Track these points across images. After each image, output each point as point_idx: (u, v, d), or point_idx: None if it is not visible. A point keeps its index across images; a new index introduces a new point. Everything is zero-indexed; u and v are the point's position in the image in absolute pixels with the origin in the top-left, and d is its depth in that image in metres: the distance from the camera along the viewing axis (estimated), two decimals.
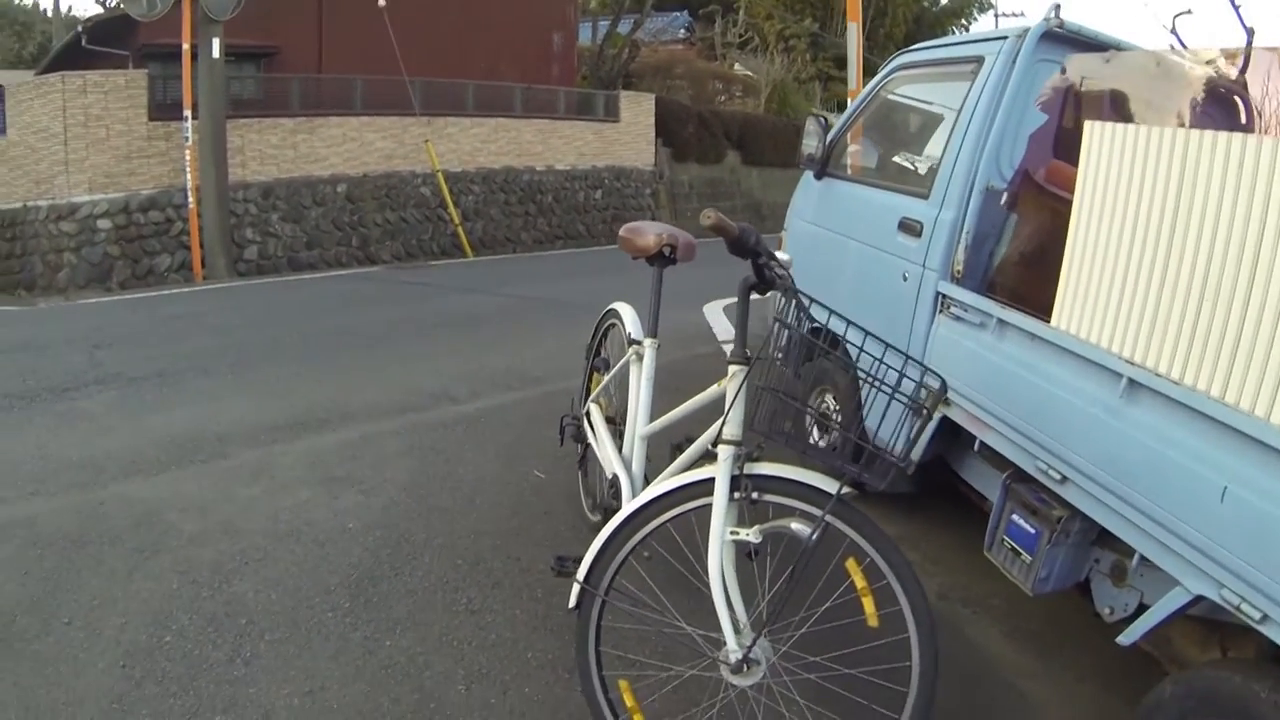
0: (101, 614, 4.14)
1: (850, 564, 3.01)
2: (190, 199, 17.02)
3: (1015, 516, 3.93)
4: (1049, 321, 3.83)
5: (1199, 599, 2.92)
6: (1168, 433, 3.10)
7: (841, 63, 37.12)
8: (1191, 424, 3.01)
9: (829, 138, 6.05)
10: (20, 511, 5.16)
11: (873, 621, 2.97)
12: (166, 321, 11.17)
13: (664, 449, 4.08)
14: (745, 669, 3.00)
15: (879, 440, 3.02)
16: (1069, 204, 3.86)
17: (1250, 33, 4.74)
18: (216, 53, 16.57)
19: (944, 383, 2.99)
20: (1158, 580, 3.26)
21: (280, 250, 18.78)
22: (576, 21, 29.86)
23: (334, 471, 5.86)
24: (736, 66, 37.90)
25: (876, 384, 2.98)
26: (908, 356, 3.09)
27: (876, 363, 3.01)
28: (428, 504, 5.42)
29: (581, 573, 3.22)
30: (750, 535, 3.02)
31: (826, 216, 6.03)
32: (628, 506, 3.30)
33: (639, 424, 3.99)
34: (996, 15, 39.60)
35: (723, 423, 3.13)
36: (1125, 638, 3.26)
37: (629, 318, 4.50)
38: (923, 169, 5.20)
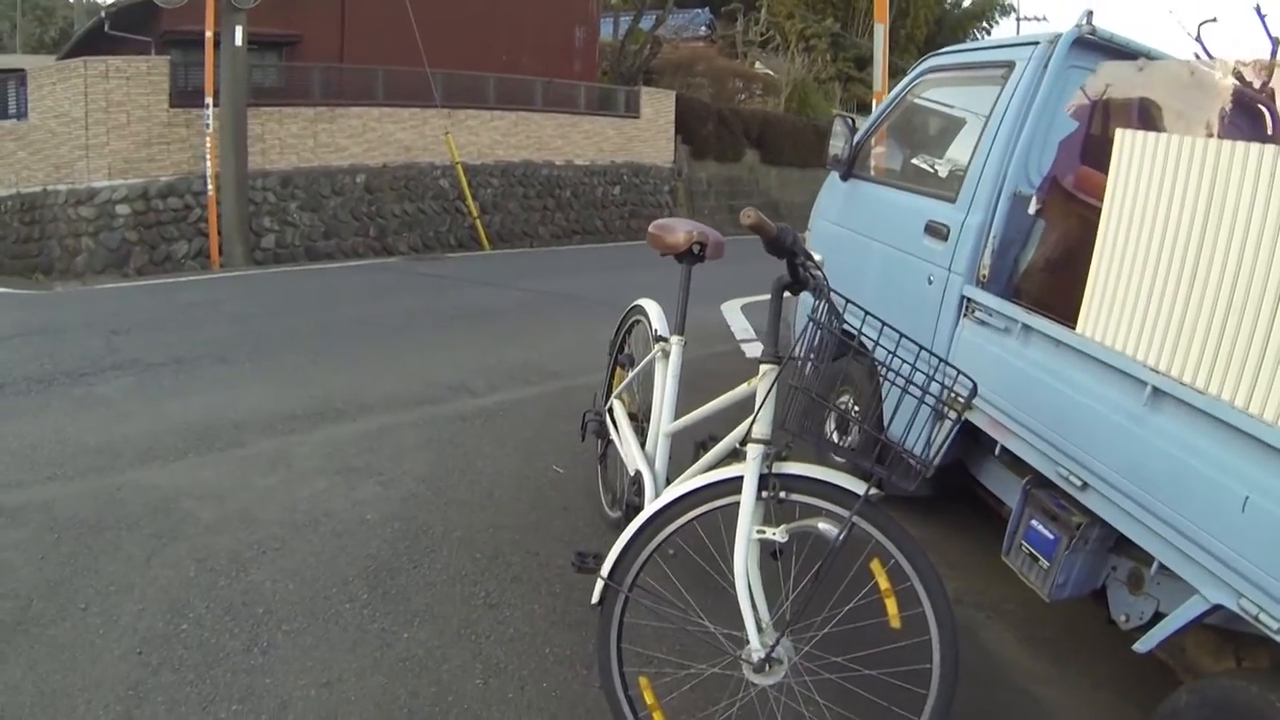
0: (118, 600, 4.14)
1: (875, 565, 3.01)
2: (209, 186, 17.06)
3: (1034, 522, 3.93)
4: (1074, 328, 3.82)
5: (1217, 608, 2.92)
6: (1191, 442, 3.09)
7: (862, 63, 37.29)
8: (1215, 433, 3.01)
9: (856, 139, 6.04)
10: (38, 495, 5.17)
11: (895, 623, 2.97)
12: (184, 308, 11.20)
13: (686, 447, 4.08)
14: (767, 668, 3.00)
15: (900, 443, 3.02)
16: (1097, 211, 3.86)
17: (1275, 43, 4.74)
18: (239, 40, 16.62)
19: (975, 386, 2.99)
20: (1175, 588, 3.25)
21: (298, 239, 18.81)
22: (598, 16, 29.86)
23: (352, 462, 5.87)
24: (757, 65, 37.84)
25: (905, 386, 2.98)
26: (941, 360, 3.09)
27: (906, 365, 3.01)
28: (446, 497, 5.42)
29: (606, 568, 3.21)
30: (776, 534, 3.02)
31: (851, 218, 6.02)
32: (655, 503, 3.30)
33: (664, 421, 3.99)
34: (1018, 19, 39.54)
35: (752, 421, 3.13)
36: (1141, 645, 3.26)
37: (655, 314, 4.50)
38: (950, 173, 5.19)
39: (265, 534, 4.84)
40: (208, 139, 16.94)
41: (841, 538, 2.93)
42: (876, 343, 3.08)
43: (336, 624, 4.06)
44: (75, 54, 21.01)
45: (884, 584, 2.98)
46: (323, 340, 9.34)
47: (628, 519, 3.52)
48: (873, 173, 6.09)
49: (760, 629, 3.01)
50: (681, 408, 4.02)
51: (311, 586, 4.36)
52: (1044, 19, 38.78)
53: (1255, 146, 3.09)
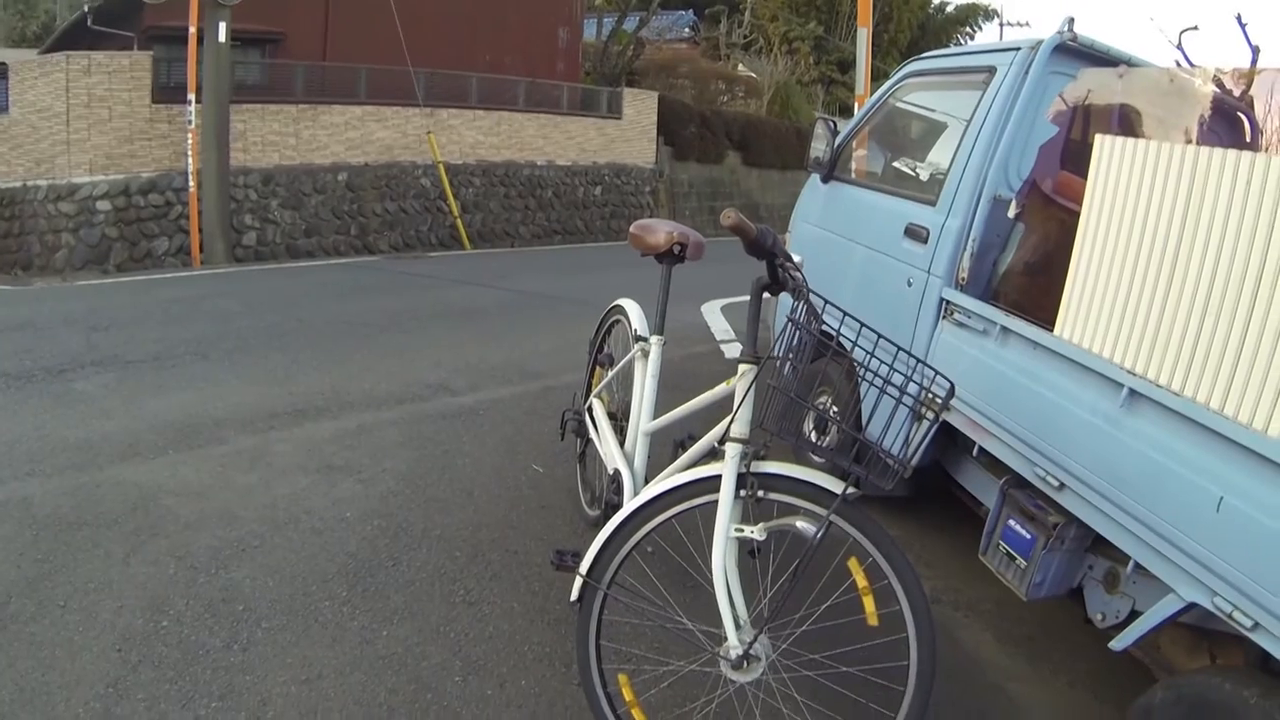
0: (97, 597, 4.13)
1: (852, 563, 3.03)
2: (191, 183, 17.02)
3: (1011, 522, 3.95)
4: (1052, 331, 3.85)
5: (1191, 606, 2.95)
6: (1166, 443, 3.13)
7: (845, 66, 37.40)
8: (1190, 435, 3.04)
9: (837, 142, 6.06)
10: (16, 492, 5.15)
11: (873, 620, 2.99)
12: (164, 305, 11.14)
13: (665, 446, 4.09)
14: (745, 665, 3.02)
15: (877, 443, 3.04)
16: (1076, 215, 3.89)
17: (1256, 51, 4.77)
18: (222, 37, 16.58)
19: (952, 386, 3.01)
20: (1150, 587, 3.29)
21: (279, 237, 18.78)
22: (582, 17, 29.88)
23: (332, 460, 5.87)
24: (740, 67, 37.92)
25: (883, 386, 3.00)
26: (919, 360, 3.11)
27: (884, 365, 3.03)
28: (426, 495, 5.42)
29: (585, 566, 3.23)
30: (755, 533, 3.04)
31: (832, 220, 6.04)
32: (633, 501, 3.31)
33: (643, 420, 4.01)
34: (1001, 24, 39.65)
35: (731, 420, 3.15)
36: (1117, 643, 3.29)
37: (635, 314, 4.52)
38: (931, 176, 5.21)
39: (245, 531, 4.84)
40: (190, 135, 16.89)
41: (819, 536, 2.95)
42: (855, 343, 3.10)
43: (316, 621, 4.06)
44: (57, 48, 20.95)
45: (861, 582, 3.01)
46: (303, 338, 9.32)
47: (606, 517, 3.54)
48: (854, 175, 6.11)
49: (738, 626, 3.03)
50: (660, 407, 4.04)
51: (291, 584, 4.36)
52: (1027, 25, 39.05)
53: (1232, 153, 3.12)
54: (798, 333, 2.99)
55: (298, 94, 19.51)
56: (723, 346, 9.73)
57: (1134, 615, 3.42)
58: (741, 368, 3.22)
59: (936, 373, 3.09)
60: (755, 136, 31.16)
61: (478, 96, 22.95)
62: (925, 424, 3.06)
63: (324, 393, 7.30)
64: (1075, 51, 4.66)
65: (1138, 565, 3.28)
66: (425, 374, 8.04)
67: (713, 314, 11.47)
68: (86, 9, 21.19)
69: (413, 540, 4.85)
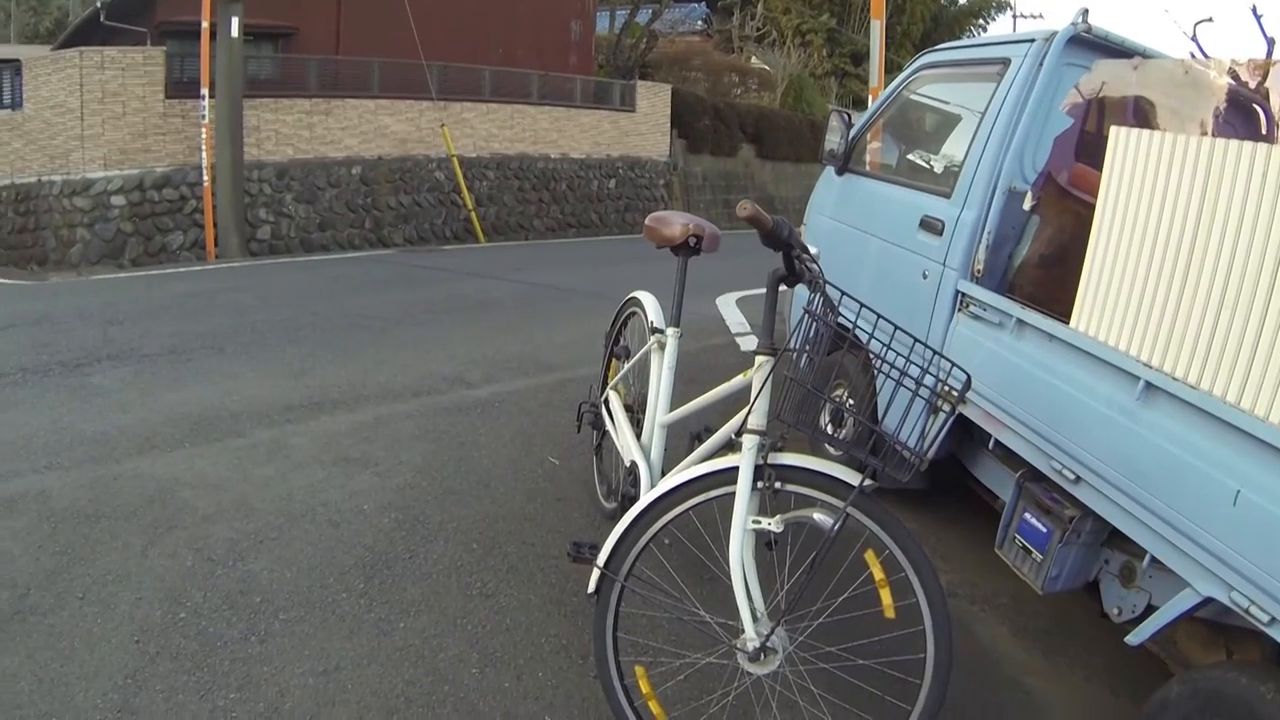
0: (115, 589, 4.15)
1: (869, 555, 3.03)
2: (205, 177, 17.05)
3: (1027, 515, 3.95)
4: (1068, 323, 3.85)
5: (1208, 601, 2.95)
6: (1183, 436, 3.12)
7: (858, 59, 37.32)
8: (1206, 428, 3.03)
9: (852, 134, 6.05)
10: (34, 485, 5.17)
11: (889, 613, 3.00)
12: (179, 299, 11.17)
13: (681, 438, 4.10)
14: (762, 657, 3.02)
15: (893, 436, 3.04)
16: (1091, 208, 3.88)
17: (1271, 43, 4.77)
18: (235, 31, 16.59)
19: (969, 379, 3.01)
20: (1167, 582, 3.28)
21: (293, 231, 18.81)
22: (595, 10, 29.84)
23: (348, 453, 5.88)
24: (753, 60, 37.87)
25: (899, 379, 3.00)
26: (936, 352, 3.11)
27: (900, 357, 3.03)
28: (442, 487, 5.43)
29: (602, 558, 3.23)
30: (772, 525, 3.04)
31: (847, 212, 6.04)
32: (650, 493, 3.32)
33: (659, 412, 4.02)
34: (1015, 16, 39.53)
35: (748, 412, 3.15)
36: (1133, 638, 3.29)
37: (651, 306, 4.52)
38: (945, 168, 5.21)
39: (262, 524, 4.85)
40: (203, 130, 16.92)
41: (836, 528, 2.95)
42: (871, 335, 3.10)
43: (333, 613, 4.08)
44: (70, 44, 21.04)
45: (878, 574, 3.01)
46: (318, 332, 9.33)
47: (623, 510, 3.55)
48: (868, 168, 6.10)
49: (755, 619, 3.03)
50: (677, 399, 4.04)
51: (308, 576, 4.37)
52: (1040, 16, 38.76)
53: (1248, 145, 3.11)
54: (814, 324, 2.99)
55: (311, 88, 19.52)
56: (738, 339, 9.72)
57: (1150, 610, 3.42)
58: (758, 360, 3.22)
59: (953, 365, 3.09)
60: (769, 129, 31.10)
61: (491, 89, 22.96)
62: (941, 416, 3.06)
63: (340, 386, 7.31)
64: (1090, 43, 4.64)
65: (1154, 559, 3.27)
66: (441, 367, 8.05)
67: (728, 306, 11.46)
68: (99, 4, 21.25)
69: (429, 532, 4.86)
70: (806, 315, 2.99)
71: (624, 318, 4.98)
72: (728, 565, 3.05)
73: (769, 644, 3.01)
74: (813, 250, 3.20)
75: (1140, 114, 4.32)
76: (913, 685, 3.01)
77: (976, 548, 5.02)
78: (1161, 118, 4.18)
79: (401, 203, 20.77)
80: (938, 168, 5.34)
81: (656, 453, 4.02)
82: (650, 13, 32.27)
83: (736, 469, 3.10)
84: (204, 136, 16.94)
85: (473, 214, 21.40)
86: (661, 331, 4.19)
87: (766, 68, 36.79)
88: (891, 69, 16.24)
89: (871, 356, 3.14)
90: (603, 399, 4.84)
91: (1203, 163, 3.27)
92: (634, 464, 4.00)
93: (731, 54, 37.86)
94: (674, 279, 4.16)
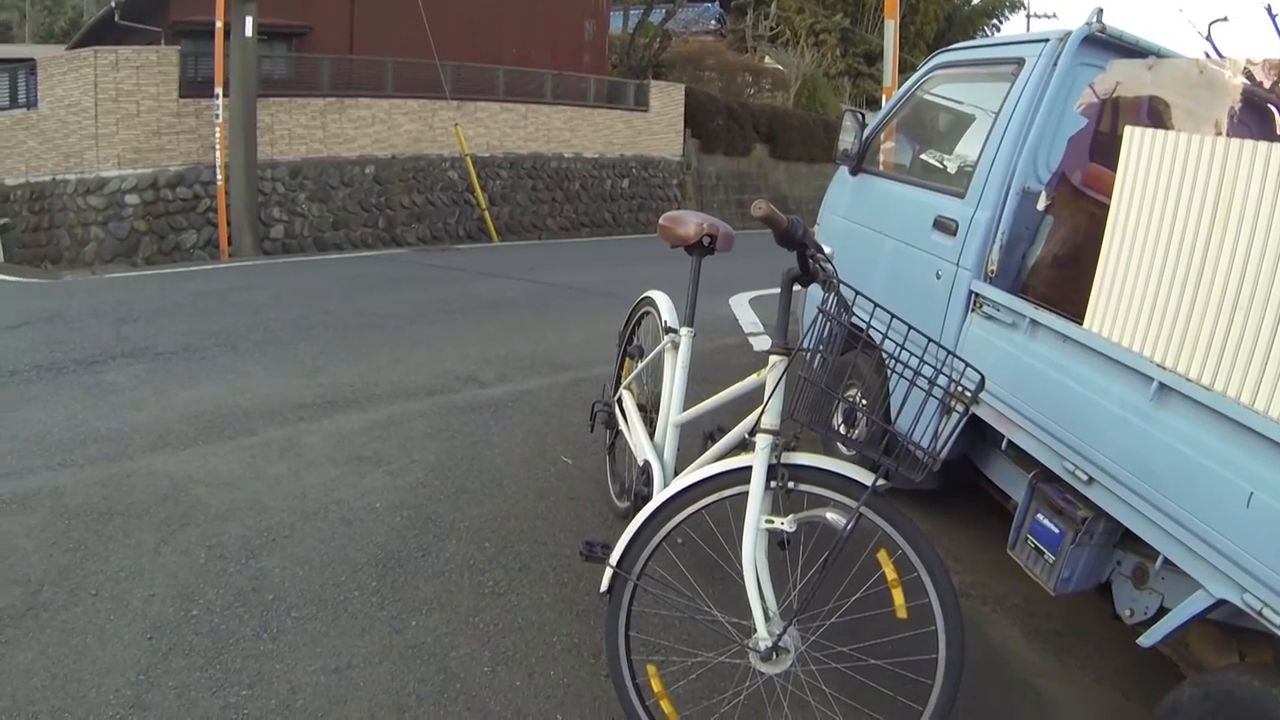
0: (128, 586, 4.16)
1: (882, 555, 3.03)
2: (218, 176, 17.12)
3: (1040, 516, 3.95)
4: (1081, 324, 3.84)
5: (1221, 603, 2.94)
6: (1196, 437, 3.11)
7: (871, 59, 37.31)
8: (1220, 429, 3.03)
9: (865, 134, 6.05)
10: (48, 482, 5.19)
11: (901, 613, 2.99)
12: (193, 298, 11.19)
13: (695, 438, 4.10)
14: (774, 657, 3.03)
15: (906, 436, 3.04)
16: (1105, 208, 3.88)
17: None
18: (249, 31, 16.62)
19: (982, 379, 3.01)
20: (1179, 583, 3.27)
21: (306, 230, 18.86)
22: (608, 10, 29.84)
23: (361, 451, 5.89)
24: (766, 60, 37.86)
25: (913, 379, 3.00)
26: (950, 352, 3.11)
27: (914, 357, 3.03)
28: (454, 486, 5.43)
29: (615, 557, 3.24)
30: (785, 524, 3.05)
31: (860, 212, 6.04)
32: (664, 492, 3.32)
33: (673, 412, 4.02)
34: (1028, 16, 39.49)
35: (761, 412, 3.16)
36: (1145, 640, 3.28)
37: (665, 306, 4.53)
38: (959, 168, 5.20)
39: (275, 521, 4.86)
40: (217, 129, 16.98)
41: (849, 528, 2.96)
42: (885, 335, 3.10)
43: (346, 611, 4.09)
44: (85, 44, 21.12)
45: (891, 574, 3.01)
46: (332, 330, 9.34)
47: (636, 509, 3.56)
48: (882, 167, 6.09)
49: (768, 618, 3.03)
50: (690, 399, 4.05)
51: (321, 574, 4.38)
52: (1054, 16, 38.75)
53: (1264, 145, 3.10)
54: (828, 324, 2.99)
55: (324, 87, 19.57)
56: (751, 339, 9.69)
57: (1162, 611, 3.40)
58: (772, 359, 3.22)
59: (967, 365, 3.09)
60: (782, 129, 31.09)
61: (504, 89, 22.99)
62: (954, 417, 3.06)
63: (352, 384, 7.32)
64: (1104, 43, 4.63)
65: (1166, 561, 3.27)
66: (453, 366, 8.05)
67: (741, 306, 11.45)
68: (114, 4, 21.30)
69: (442, 531, 4.87)
70: (821, 315, 2.99)
71: (637, 317, 4.98)
72: (740, 564, 3.06)
73: (781, 643, 3.02)
74: (827, 250, 3.20)
75: (1154, 114, 4.32)
76: (924, 686, 3.01)
77: (989, 548, 5.01)
78: (1176, 118, 4.16)
79: (415, 202, 20.81)
80: (951, 168, 5.34)
81: (670, 452, 4.02)
82: (664, 12, 32.29)
83: (750, 468, 3.11)
84: (218, 135, 17.00)
85: (486, 213, 21.43)
86: (675, 331, 4.19)
87: (780, 67, 36.79)
88: (905, 69, 16.25)
89: (885, 356, 3.14)
90: (616, 398, 4.85)
91: (1217, 163, 3.26)
92: (647, 463, 4.00)
93: (745, 54, 37.87)
94: (688, 278, 4.16)
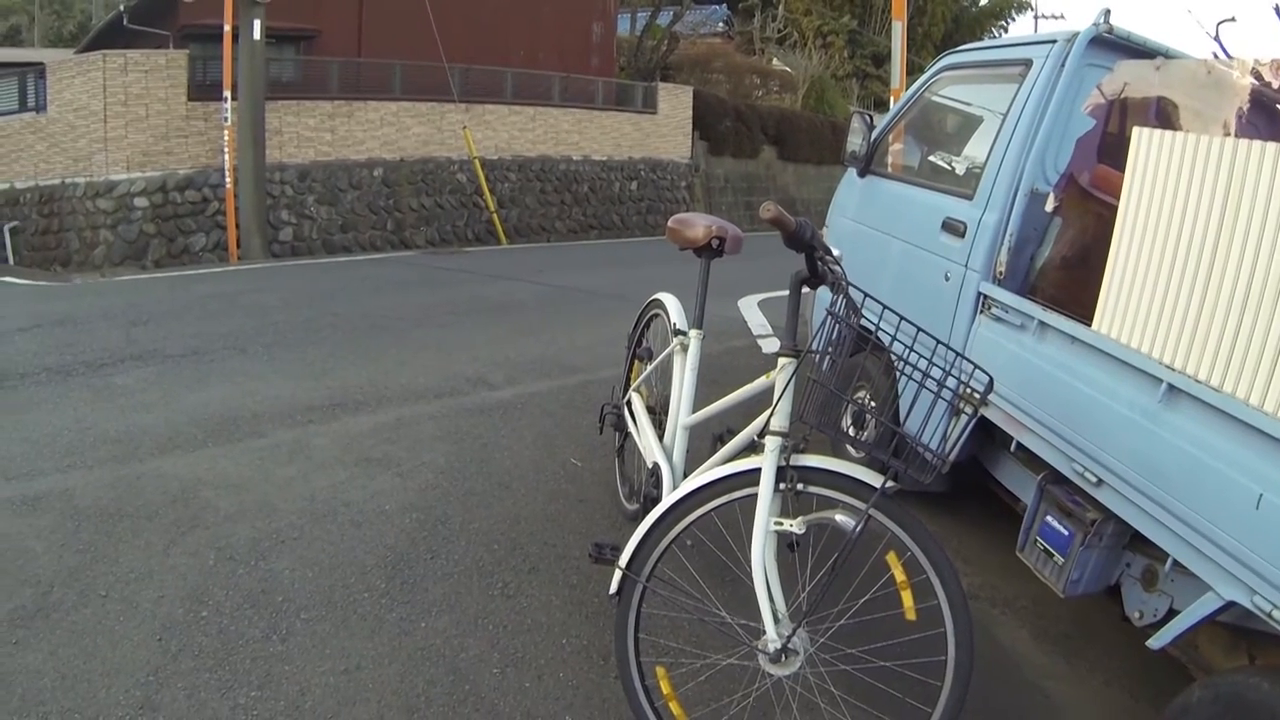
0: (138, 587, 4.17)
1: (891, 557, 3.03)
2: (227, 179, 17.15)
3: (1049, 518, 3.94)
4: (1090, 325, 3.84)
5: (1230, 605, 2.93)
6: (1205, 439, 3.10)
7: (879, 60, 37.30)
8: (1229, 431, 3.02)
9: (873, 136, 6.05)
10: (58, 484, 5.20)
11: (910, 615, 2.99)
12: (202, 300, 11.22)
13: (704, 440, 4.10)
14: (783, 659, 3.03)
15: (915, 438, 3.04)
16: (1113, 209, 3.87)
17: None
18: (257, 34, 16.68)
19: (991, 380, 3.01)
20: (1189, 585, 3.26)
21: (315, 232, 18.90)
22: (616, 12, 29.91)
23: (370, 453, 5.89)
24: (774, 62, 37.89)
25: (922, 381, 3.00)
26: (958, 354, 3.11)
27: (923, 359, 3.03)
28: (464, 488, 5.43)
29: (624, 559, 3.24)
30: (794, 526, 3.04)
31: (869, 214, 6.04)
32: (673, 494, 3.32)
33: (682, 414, 4.02)
34: (1036, 17, 39.47)
35: (770, 414, 3.16)
36: (1155, 642, 3.27)
37: (674, 308, 4.52)
38: (967, 170, 5.20)
39: (284, 523, 4.87)
40: (226, 132, 17.02)
41: (858, 530, 2.95)
42: (894, 337, 3.10)
43: (355, 613, 4.09)
44: (93, 47, 21.20)
45: (900, 576, 3.01)
46: (340, 333, 9.36)
47: (645, 511, 3.56)
48: (890, 169, 6.10)
49: (777, 620, 3.03)
50: (698, 401, 4.05)
51: (330, 575, 4.38)
52: (1061, 17, 38.75)
53: (1272, 146, 3.10)
54: (837, 326, 2.99)
55: (333, 90, 19.62)
56: (760, 341, 9.69)
57: (1172, 613, 3.39)
58: (781, 361, 3.23)
59: (976, 366, 3.09)
60: (790, 131, 31.11)
61: (513, 91, 23.03)
62: (963, 419, 3.06)
63: (361, 387, 7.33)
64: (1111, 44, 4.63)
65: (1176, 563, 3.25)
66: (462, 368, 8.05)
67: (749, 309, 11.45)
68: (122, 8, 21.42)
69: (451, 533, 4.87)
70: (829, 317, 2.99)
71: (646, 319, 4.98)
72: (749, 566, 3.06)
73: (790, 645, 3.02)
74: (835, 252, 3.20)
75: (1162, 115, 4.31)
76: (933, 687, 3.01)
77: (997, 550, 5.01)
78: (1184, 118, 4.15)
79: (423, 204, 20.84)
80: (960, 169, 5.33)
81: (679, 454, 4.02)
82: (671, 15, 32.29)
83: (759, 470, 3.11)
84: (226, 139, 17.04)
85: (494, 216, 21.46)
86: (684, 333, 4.20)
87: (788, 69, 36.82)
88: (913, 70, 16.24)
89: (894, 358, 3.14)
90: (625, 400, 4.84)
91: (1225, 164, 3.25)
92: (656, 465, 4.00)
93: (753, 56, 37.90)
94: (696, 281, 4.16)
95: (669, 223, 4.28)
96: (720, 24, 41.85)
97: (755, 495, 3.10)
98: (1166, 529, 3.21)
